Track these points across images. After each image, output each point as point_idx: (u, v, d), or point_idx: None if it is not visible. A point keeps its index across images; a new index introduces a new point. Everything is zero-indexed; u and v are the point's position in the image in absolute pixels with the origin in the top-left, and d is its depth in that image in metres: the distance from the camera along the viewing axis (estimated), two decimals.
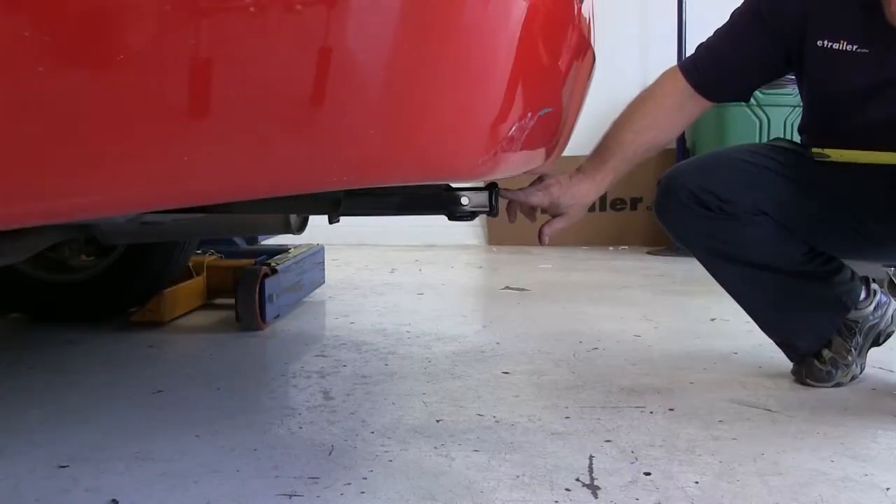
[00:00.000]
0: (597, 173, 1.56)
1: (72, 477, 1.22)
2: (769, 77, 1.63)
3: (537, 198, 1.52)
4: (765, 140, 3.32)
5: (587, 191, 1.55)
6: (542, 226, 1.55)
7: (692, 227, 1.61)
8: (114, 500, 1.13)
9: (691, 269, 3.60)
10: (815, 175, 1.56)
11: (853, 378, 1.68)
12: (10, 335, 2.31)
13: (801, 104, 1.66)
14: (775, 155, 1.61)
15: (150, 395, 1.66)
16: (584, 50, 1.24)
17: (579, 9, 1.15)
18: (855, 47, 1.45)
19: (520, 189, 1.52)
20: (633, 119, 1.61)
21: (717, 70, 1.59)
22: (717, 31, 1.64)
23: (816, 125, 1.61)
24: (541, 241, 1.54)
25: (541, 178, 1.54)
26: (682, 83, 1.60)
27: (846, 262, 1.67)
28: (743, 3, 1.63)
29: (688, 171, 1.61)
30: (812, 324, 1.66)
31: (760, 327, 1.73)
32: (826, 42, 1.48)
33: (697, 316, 2.49)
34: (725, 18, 1.63)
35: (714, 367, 1.85)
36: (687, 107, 1.62)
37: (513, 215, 1.55)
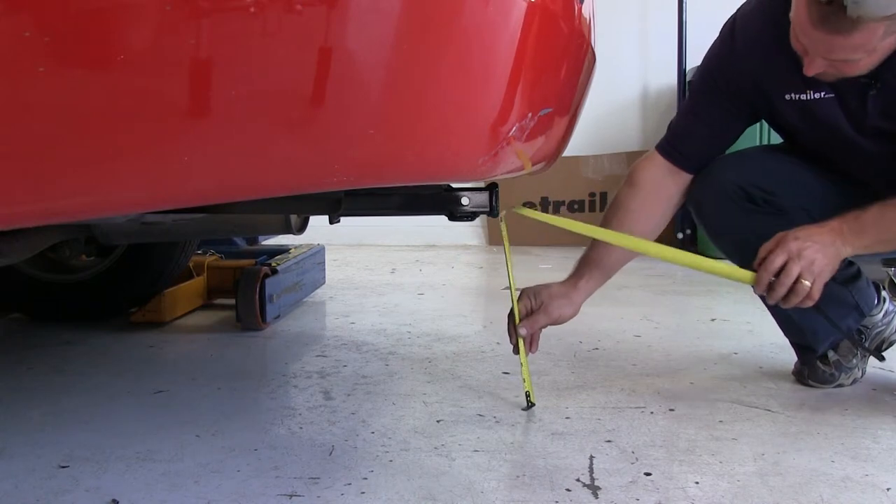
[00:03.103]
0: (579, 286, 1.58)
1: (72, 477, 1.22)
2: (739, 134, 1.64)
3: (543, 320, 1.55)
4: (765, 142, 3.31)
5: (579, 301, 1.58)
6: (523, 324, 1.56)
7: (734, 222, 1.59)
8: (114, 501, 1.13)
9: (691, 269, 3.61)
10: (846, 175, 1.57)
11: (854, 381, 1.68)
12: (10, 335, 2.31)
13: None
14: (811, 153, 1.61)
15: (151, 395, 1.66)
16: (584, 50, 1.24)
17: (579, 9, 1.15)
18: (822, 94, 1.46)
19: (524, 322, 1.54)
20: (619, 209, 1.62)
21: (692, 145, 1.62)
22: (681, 108, 1.67)
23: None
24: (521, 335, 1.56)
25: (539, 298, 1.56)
26: (661, 163, 1.62)
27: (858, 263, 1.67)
28: (697, 75, 1.66)
29: (733, 167, 1.60)
30: (832, 326, 1.66)
31: (781, 326, 1.72)
32: (793, 95, 1.50)
33: (697, 316, 2.49)
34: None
35: (714, 367, 1.85)
36: (669, 186, 1.62)
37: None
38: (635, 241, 1.50)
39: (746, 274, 1.43)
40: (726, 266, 1.47)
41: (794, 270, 1.36)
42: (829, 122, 1.48)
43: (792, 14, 1.32)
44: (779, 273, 1.37)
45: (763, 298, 1.49)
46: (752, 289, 1.44)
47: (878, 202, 1.41)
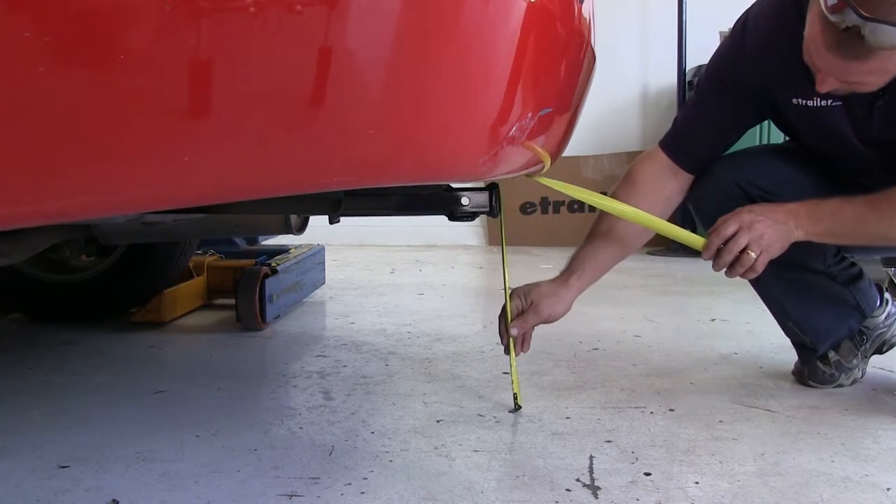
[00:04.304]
0: (570, 283, 1.56)
1: (72, 477, 1.22)
2: (744, 132, 1.64)
3: (533, 319, 1.54)
4: (765, 142, 3.32)
5: (569, 299, 1.57)
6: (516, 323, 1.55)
7: None
8: (114, 501, 1.13)
9: (691, 269, 3.61)
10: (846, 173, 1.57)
11: (854, 381, 1.68)
12: (10, 335, 2.31)
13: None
14: (811, 153, 1.62)
15: (151, 395, 1.66)
16: (584, 50, 1.24)
17: (579, 9, 1.15)
18: (830, 101, 1.46)
19: (515, 322, 1.53)
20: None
21: (696, 143, 1.61)
22: (686, 105, 1.67)
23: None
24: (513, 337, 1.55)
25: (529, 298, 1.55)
26: (662, 160, 1.62)
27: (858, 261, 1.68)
28: (705, 72, 1.65)
29: (732, 167, 1.61)
30: (833, 326, 1.66)
31: (781, 325, 1.72)
32: (800, 100, 1.49)
33: (697, 316, 2.49)
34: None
35: (714, 367, 1.85)
36: (668, 185, 1.62)
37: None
38: (642, 214, 1.49)
39: (699, 239, 1.46)
40: (682, 230, 1.48)
41: (743, 240, 1.39)
42: (834, 129, 1.48)
43: (806, 32, 1.31)
44: (728, 241, 1.40)
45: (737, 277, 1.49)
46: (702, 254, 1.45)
47: (840, 196, 1.42)
